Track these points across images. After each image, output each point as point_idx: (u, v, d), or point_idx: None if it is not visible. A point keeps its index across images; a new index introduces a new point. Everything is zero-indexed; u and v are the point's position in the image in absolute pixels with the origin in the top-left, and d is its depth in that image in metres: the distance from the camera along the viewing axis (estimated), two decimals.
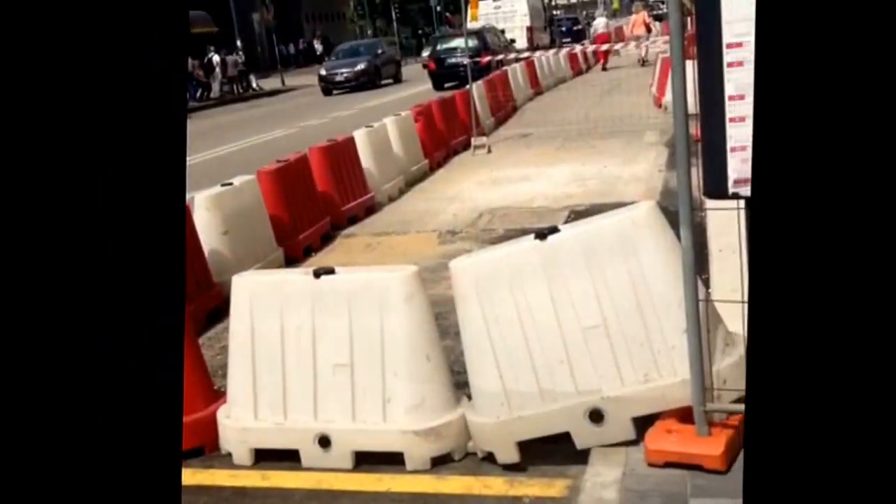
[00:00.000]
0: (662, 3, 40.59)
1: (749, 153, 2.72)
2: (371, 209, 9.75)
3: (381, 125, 10.99)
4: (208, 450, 4.22)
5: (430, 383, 3.90)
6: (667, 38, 3.70)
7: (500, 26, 32.07)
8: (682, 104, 3.15)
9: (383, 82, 32.08)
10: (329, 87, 30.82)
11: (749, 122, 2.71)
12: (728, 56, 2.68)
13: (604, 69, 26.95)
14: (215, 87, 34.29)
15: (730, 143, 2.73)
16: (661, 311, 3.58)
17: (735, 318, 3.50)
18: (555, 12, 59.40)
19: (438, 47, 27.99)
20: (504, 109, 17.56)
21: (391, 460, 3.90)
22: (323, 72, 31.80)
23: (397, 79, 33.49)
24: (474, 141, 13.43)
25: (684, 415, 3.55)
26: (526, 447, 3.76)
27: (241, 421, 4.13)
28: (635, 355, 3.62)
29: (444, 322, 4.76)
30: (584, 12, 64.46)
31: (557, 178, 10.47)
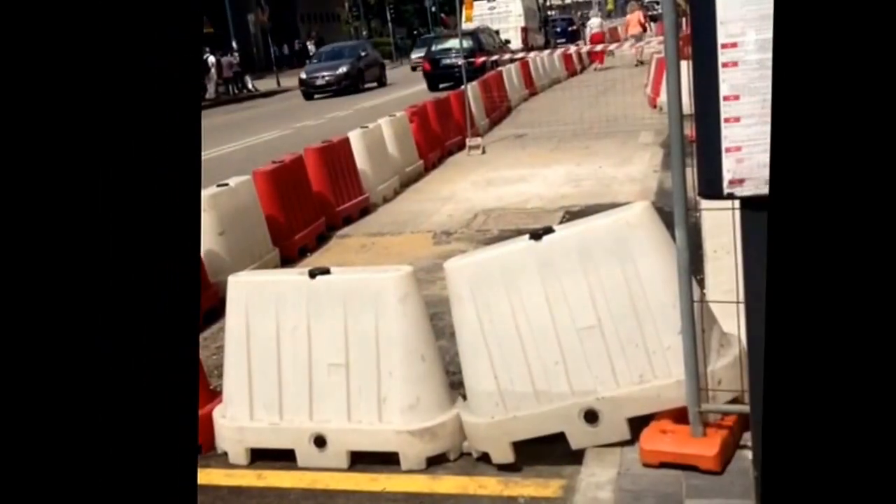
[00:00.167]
0: (657, 3, 40.64)
1: (744, 153, 2.73)
2: (366, 210, 9.76)
3: (375, 126, 10.99)
4: (204, 449, 4.22)
5: (426, 383, 3.91)
6: (661, 38, 3.71)
7: (494, 27, 32.02)
8: (676, 104, 3.16)
9: (367, 86, 30.85)
10: (310, 90, 29.48)
11: (743, 123, 2.71)
12: (723, 56, 2.69)
13: (599, 66, 27.06)
14: (211, 88, 34.24)
15: (724, 144, 2.73)
16: (656, 311, 3.59)
17: (730, 319, 3.51)
18: (549, 13, 59.41)
19: (433, 48, 27.99)
20: (499, 110, 17.57)
21: (386, 460, 3.90)
22: (303, 75, 30.47)
23: (381, 82, 32.37)
24: (469, 141, 13.44)
25: (679, 415, 3.55)
26: (521, 447, 3.76)
27: (237, 420, 4.13)
28: (630, 356, 3.62)
29: (439, 322, 4.77)
30: (579, 13, 64.46)
31: (552, 179, 10.48)
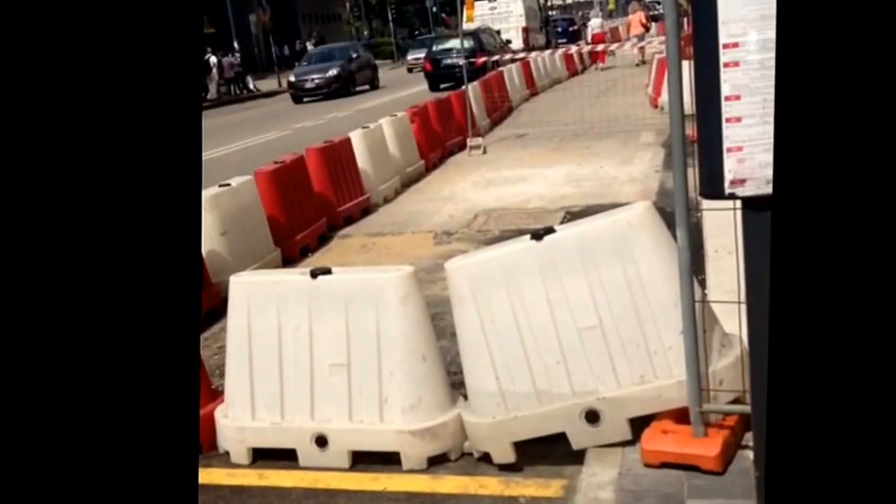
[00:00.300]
0: (658, 3, 40.64)
1: (746, 153, 2.72)
2: (367, 210, 9.76)
3: (377, 126, 10.99)
4: (206, 449, 4.22)
5: (427, 383, 3.91)
6: (663, 38, 3.71)
7: (495, 27, 32.00)
8: (678, 104, 3.16)
9: (358, 89, 29.64)
10: (299, 94, 28.33)
11: (745, 123, 2.71)
12: (724, 56, 2.68)
13: (600, 66, 27.08)
14: (212, 88, 34.25)
15: (726, 144, 2.73)
16: (658, 311, 3.59)
17: (731, 319, 3.50)
18: (551, 13, 59.37)
19: (434, 48, 27.98)
20: (500, 110, 17.57)
21: (388, 460, 3.90)
22: (292, 78, 29.28)
23: (374, 85, 31.18)
24: (470, 142, 13.44)
25: (680, 415, 3.55)
26: (522, 447, 3.76)
27: (239, 420, 4.14)
28: (631, 356, 3.62)
29: (440, 323, 4.76)
30: (580, 13, 64.44)
31: (553, 179, 10.48)
